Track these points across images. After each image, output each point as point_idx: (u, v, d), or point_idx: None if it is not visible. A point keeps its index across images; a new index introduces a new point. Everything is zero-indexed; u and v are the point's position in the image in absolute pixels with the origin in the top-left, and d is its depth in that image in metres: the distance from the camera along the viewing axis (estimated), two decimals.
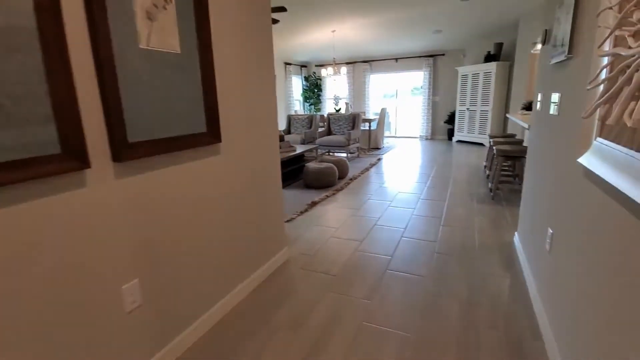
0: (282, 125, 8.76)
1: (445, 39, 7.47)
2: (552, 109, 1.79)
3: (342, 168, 4.89)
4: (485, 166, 5.34)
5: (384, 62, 9.34)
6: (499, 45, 7.18)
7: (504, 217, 3.24)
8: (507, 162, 4.06)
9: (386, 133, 10.22)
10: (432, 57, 8.67)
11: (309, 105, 10.17)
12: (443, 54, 8.64)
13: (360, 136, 7.57)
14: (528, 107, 4.98)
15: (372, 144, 7.65)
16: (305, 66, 10.07)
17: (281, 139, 5.25)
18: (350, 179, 4.88)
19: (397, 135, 9.99)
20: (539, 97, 2.14)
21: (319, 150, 6.52)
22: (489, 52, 7.34)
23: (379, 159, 6.40)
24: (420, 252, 2.58)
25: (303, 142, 6.50)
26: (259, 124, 2.11)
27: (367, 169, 5.55)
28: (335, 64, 7.63)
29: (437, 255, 2.52)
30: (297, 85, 10.19)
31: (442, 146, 7.83)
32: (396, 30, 6.60)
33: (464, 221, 3.18)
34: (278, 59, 8.82)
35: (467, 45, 8.07)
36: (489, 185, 4.18)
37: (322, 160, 5.01)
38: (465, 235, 2.86)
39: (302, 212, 3.55)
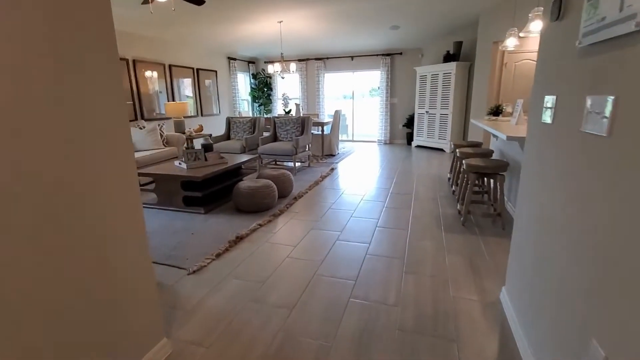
0: (221, 129, 7.67)
1: (402, 36, 6.86)
2: (594, 123, 1.02)
3: (283, 184, 3.99)
4: (449, 178, 4.72)
5: (339, 60, 8.59)
6: (459, 44, 6.70)
7: (480, 254, 2.53)
8: (479, 179, 3.41)
9: (342, 137, 9.51)
10: (389, 56, 8.06)
11: (258, 106, 9.16)
12: (400, 53, 8.07)
13: (311, 142, 6.74)
14: (495, 112, 4.42)
15: (325, 151, 6.84)
16: (253, 62, 9.05)
17: (209, 148, 4.23)
18: (295, 198, 3.99)
19: (354, 139, 9.30)
20: (549, 102, 1.39)
21: (263, 160, 5.58)
22: (447, 51, 6.84)
23: (333, 169, 5.59)
24: (377, 329, 1.75)
25: (243, 151, 5.51)
26: (79, 144, 1.15)
27: (316, 183, 4.70)
28: (284, 60, 6.72)
29: (399, 334, 1.70)
30: (243, 83, 9.14)
31: (402, 152, 7.22)
32: (350, 24, 5.84)
33: (432, 265, 2.41)
34: (219, 53, 7.72)
35: (426, 44, 7.54)
36: (458, 206, 3.50)
37: (260, 175, 4.08)
38: (436, 291, 2.09)
39: (217, 255, 2.60)
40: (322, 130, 6.55)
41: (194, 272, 2.36)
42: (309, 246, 2.73)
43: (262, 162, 5.98)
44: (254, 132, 5.93)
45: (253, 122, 5.97)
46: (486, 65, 5.66)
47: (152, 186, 3.79)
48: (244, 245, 2.77)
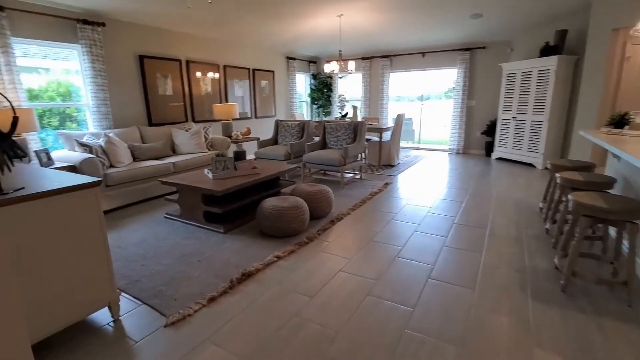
0: (270, 132, 7.31)
1: (486, 27, 5.66)
2: None
3: (319, 203, 3.33)
4: (542, 209, 3.56)
5: (407, 57, 7.62)
6: (562, 34, 5.27)
7: (592, 350, 1.55)
8: (596, 225, 2.28)
9: (408, 144, 8.51)
10: (468, 51, 6.85)
11: (317, 108, 8.65)
12: (483, 47, 6.79)
13: (368, 150, 5.97)
14: (618, 122, 3.16)
15: (383, 160, 6.00)
16: (314, 62, 8.57)
17: (240, 156, 3.77)
18: (332, 221, 3.30)
19: (420, 146, 8.22)
20: None
21: (308, 169, 5.00)
22: (546, 43, 5.44)
23: (387, 184, 4.75)
24: None
25: (288, 158, 5.00)
26: None
27: (363, 202, 3.94)
28: (342, 59, 6.06)
29: None
30: (303, 84, 8.72)
31: (478, 164, 6.01)
32: (421, 15, 4.93)
33: None
34: (277, 52, 7.39)
35: (516, 35, 6.18)
36: (555, 259, 2.44)
37: (294, 191, 3.48)
38: None
39: (211, 300, 2.05)
40: (381, 137, 5.73)
41: (172, 324, 1.84)
42: (330, 299, 2.03)
43: (309, 171, 5.42)
44: (302, 138, 5.39)
45: (302, 127, 5.43)
46: (600, 60, 4.27)
47: (177, 196, 3.46)
48: (249, 287, 2.18)
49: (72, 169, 3.52)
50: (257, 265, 2.42)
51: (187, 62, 5.44)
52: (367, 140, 6.23)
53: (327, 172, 5.41)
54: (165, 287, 2.19)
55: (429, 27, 5.63)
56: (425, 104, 7.98)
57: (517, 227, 3.12)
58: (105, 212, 3.71)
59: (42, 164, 3.34)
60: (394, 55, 7.71)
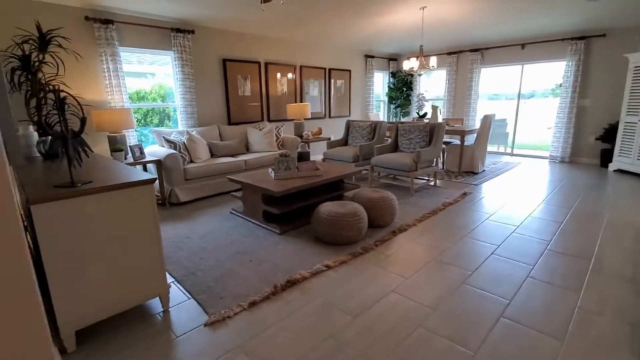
0: (341, 132, 7.16)
1: (606, 10, 4.59)
2: None
3: (381, 211, 3.08)
4: None
5: (502, 50, 6.71)
6: None
7: None
8: None
9: (499, 149, 7.54)
10: (582, 40, 5.70)
11: (395, 108, 8.24)
12: (603, 35, 5.58)
13: (447, 154, 5.44)
14: None
15: (465, 166, 5.37)
16: (395, 59, 8.17)
17: (304, 156, 3.73)
18: (394, 232, 3.02)
19: (514, 152, 7.18)
20: None
21: (377, 172, 4.73)
22: None
23: (466, 194, 4.21)
24: None
25: (356, 160, 4.81)
26: None
27: (433, 213, 3.54)
28: (423, 54, 5.60)
29: None
30: (381, 82, 8.39)
31: (588, 177, 4.96)
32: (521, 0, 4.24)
33: None
34: (355, 51, 7.22)
35: None
36: None
37: (355, 196, 3.29)
38: None
39: (252, 304, 2.00)
40: (462, 141, 5.14)
41: (212, 323, 1.84)
42: (375, 323, 1.81)
43: (378, 175, 5.15)
44: (372, 139, 5.14)
45: (373, 128, 5.18)
46: None
47: (241, 193, 3.58)
48: (292, 296, 2.09)
49: (159, 162, 3.93)
50: (304, 273, 2.31)
51: (266, 64, 5.65)
52: (447, 143, 5.66)
53: (397, 177, 5.06)
54: (214, 284, 2.24)
55: (531, 14, 4.81)
56: (528, 103, 6.93)
57: (635, 264, 2.42)
58: (182, 203, 4.05)
59: (134, 158, 3.79)
60: (486, 49, 6.86)
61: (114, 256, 1.72)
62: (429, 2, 4.28)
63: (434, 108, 5.75)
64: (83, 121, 1.62)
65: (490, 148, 7.64)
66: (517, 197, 4.08)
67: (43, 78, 3.34)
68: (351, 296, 2.08)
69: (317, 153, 6.77)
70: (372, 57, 7.54)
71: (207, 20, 4.55)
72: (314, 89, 6.56)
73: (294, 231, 3.12)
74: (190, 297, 2.11)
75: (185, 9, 4.01)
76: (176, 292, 2.17)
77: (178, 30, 4.45)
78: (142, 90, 4.96)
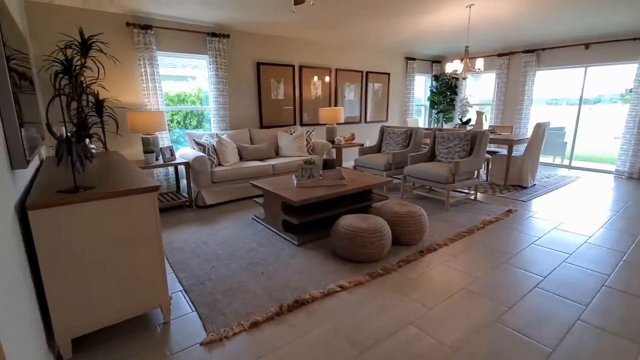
0: (375, 138, 6.85)
1: None
2: None
3: (406, 228, 2.81)
4: None
5: (561, 51, 6.02)
6: None
7: None
8: None
9: (555, 160, 6.81)
10: None
11: (437, 113, 7.77)
12: None
13: (492, 165, 4.98)
14: None
15: (512, 179, 4.86)
16: (438, 62, 7.72)
17: (329, 164, 3.55)
18: (421, 252, 2.74)
19: (572, 165, 6.42)
20: None
21: (412, 183, 4.42)
22: None
23: (510, 211, 3.76)
24: None
25: (388, 168, 4.54)
26: None
27: (469, 232, 3.18)
28: (468, 56, 5.17)
29: None
30: (423, 86, 7.97)
31: None
32: None
33: None
34: (395, 53, 6.91)
35: None
36: None
37: (380, 210, 3.05)
38: None
39: (253, 324, 1.86)
40: (510, 151, 4.64)
41: (208, 343, 1.73)
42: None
43: (412, 185, 4.82)
44: (407, 146, 4.82)
45: (408, 134, 4.86)
46: None
47: (263, 199, 3.48)
48: (297, 319, 1.92)
49: (187, 165, 3.97)
50: (315, 293, 2.13)
51: (300, 67, 5.57)
52: (492, 153, 5.17)
53: (432, 189, 4.70)
54: (221, 297, 2.14)
55: (597, 9, 4.22)
56: (593, 109, 6.17)
57: None
58: (209, 206, 4.06)
59: (164, 160, 3.87)
60: (542, 49, 6.20)
61: (113, 265, 1.67)
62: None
63: (479, 114, 5.29)
64: (82, 125, 1.59)
65: (544, 159, 6.91)
66: (572, 218, 3.56)
67: (84, 81, 3.50)
68: (362, 325, 1.87)
69: (350, 159, 6.55)
70: (414, 59, 7.17)
71: (242, 24, 4.56)
72: (350, 93, 6.36)
73: (312, 243, 2.95)
74: (193, 309, 2.03)
75: (222, 13, 4.03)
76: (182, 302, 2.10)
77: (214, 35, 4.51)
78: (183, 93, 5.11)
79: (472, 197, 4.25)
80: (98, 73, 3.78)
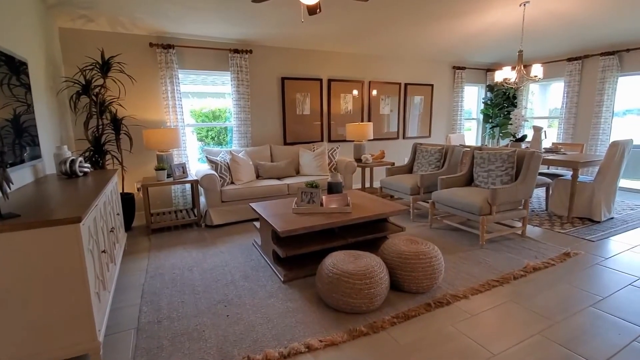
0: (407, 155, 6.13)
1: None
2: None
3: (412, 273, 2.25)
4: None
5: None
6: None
7: None
8: None
9: (635, 184, 5.47)
10: None
11: (491, 128, 6.82)
12: None
13: (550, 191, 4.10)
14: None
15: (578, 211, 3.90)
16: (493, 70, 6.81)
17: (335, 188, 3.13)
18: (427, 306, 2.16)
19: None
20: None
21: (442, 211, 3.76)
22: None
23: (569, 255, 2.93)
24: None
25: (416, 192, 3.94)
26: None
27: (500, 282, 2.48)
28: (523, 63, 4.36)
29: None
30: (475, 98, 7.10)
31: None
32: None
33: None
34: (439, 62, 6.24)
35: None
36: None
37: (384, 247, 2.53)
38: None
39: None
40: (575, 175, 3.74)
41: None
42: None
43: (448, 214, 4.12)
44: (442, 167, 4.17)
45: (443, 153, 4.21)
46: None
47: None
48: None
49: (196, 182, 3.87)
50: (272, 354, 1.73)
51: (329, 81, 5.26)
52: (554, 176, 4.25)
53: (468, 219, 3.95)
54: (168, 343, 1.85)
55: None
56: None
57: None
58: (214, 226, 3.90)
59: (174, 177, 3.81)
60: (626, 50, 5.05)
61: (25, 303, 1.49)
62: None
63: (536, 129, 4.42)
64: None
65: (628, 184, 5.58)
66: None
67: (102, 99, 3.61)
68: None
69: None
70: (462, 68, 6.41)
71: (265, 39, 4.42)
72: (385, 107, 5.86)
73: (302, 280, 2.55)
74: (132, 356, 1.77)
75: (242, 30, 3.93)
76: (126, 345, 1.86)
77: (235, 51, 4.44)
78: (218, 109, 5.16)
79: (519, 231, 3.45)
80: (119, 92, 3.90)
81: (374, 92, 5.68)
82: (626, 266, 2.70)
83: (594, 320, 2.00)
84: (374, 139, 5.80)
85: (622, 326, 1.93)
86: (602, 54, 5.27)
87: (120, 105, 3.90)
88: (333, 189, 3.10)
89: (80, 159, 2.72)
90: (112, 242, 2.41)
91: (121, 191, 3.88)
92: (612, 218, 3.92)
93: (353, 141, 5.51)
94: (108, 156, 3.80)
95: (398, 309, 2.13)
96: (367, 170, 5.82)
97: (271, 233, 2.72)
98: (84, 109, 3.65)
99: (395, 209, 2.91)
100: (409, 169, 4.58)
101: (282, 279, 2.52)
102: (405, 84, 5.96)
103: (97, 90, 3.56)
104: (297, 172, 4.73)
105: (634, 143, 4.06)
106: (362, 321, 2.01)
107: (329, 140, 5.45)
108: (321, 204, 2.89)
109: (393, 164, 4.88)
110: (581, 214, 3.90)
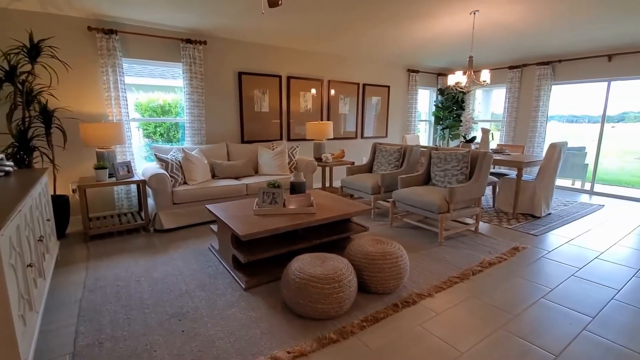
0: (365, 154, 6.28)
1: None
2: None
3: (380, 273, 2.23)
4: None
5: (581, 63, 5.40)
6: None
7: None
8: None
9: (575, 183, 6.09)
10: None
11: (442, 130, 7.17)
12: None
13: (499, 191, 4.36)
14: None
15: (522, 208, 4.21)
16: (444, 74, 7.17)
17: (298, 187, 3.02)
18: (394, 306, 2.15)
19: (594, 189, 5.67)
20: None
21: (399, 210, 3.83)
22: None
23: (518, 249, 3.12)
24: None
25: (377, 192, 3.97)
26: None
27: (461, 279, 2.56)
28: (472, 69, 4.62)
29: None
30: (427, 100, 7.41)
31: None
32: None
33: None
34: (396, 65, 6.41)
35: None
36: None
37: (349, 249, 2.48)
38: None
39: None
40: (519, 175, 4.01)
41: None
42: None
43: (406, 213, 4.21)
44: (400, 167, 4.26)
45: (402, 153, 4.30)
46: None
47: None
48: None
49: (143, 183, 3.53)
50: None
51: (288, 78, 5.13)
52: (500, 175, 4.54)
53: (427, 217, 4.08)
54: None
55: (621, 16, 3.62)
56: (618, 127, 5.49)
57: None
58: (166, 230, 3.59)
59: (117, 177, 3.43)
60: (558, 61, 5.59)
61: None
62: (480, 5, 3.38)
63: (485, 131, 4.69)
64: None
65: (562, 182, 6.19)
66: (597, 262, 2.89)
67: (29, 88, 3.13)
68: None
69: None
70: (416, 71, 6.65)
71: (221, 31, 4.17)
72: (344, 106, 5.87)
73: (265, 287, 2.41)
74: None
75: (195, 18, 3.64)
76: None
77: (188, 41, 4.13)
78: (167, 103, 4.75)
79: (473, 228, 3.62)
80: (50, 80, 3.43)
81: (333, 92, 5.66)
82: (567, 258, 2.94)
83: (546, 311, 2.12)
84: (333, 139, 5.79)
85: (572, 316, 2.07)
86: (538, 64, 5.76)
87: (52, 95, 3.42)
88: (296, 189, 2.99)
89: (2, 156, 2.32)
90: (40, 253, 2.07)
91: (52, 193, 3.41)
92: (550, 214, 4.28)
93: (313, 140, 5.44)
94: (36, 153, 3.32)
95: (366, 312, 2.08)
96: (327, 169, 5.78)
97: (231, 237, 2.53)
98: (8, 98, 3.14)
99: (359, 208, 2.88)
100: (368, 168, 4.61)
101: (244, 286, 2.36)
102: (364, 85, 6.03)
103: (23, 77, 3.08)
104: (256, 172, 4.54)
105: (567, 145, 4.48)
106: (330, 327, 1.93)
107: (289, 139, 5.32)
108: (284, 205, 2.76)
109: (353, 163, 4.89)
110: (524, 210, 4.21)
